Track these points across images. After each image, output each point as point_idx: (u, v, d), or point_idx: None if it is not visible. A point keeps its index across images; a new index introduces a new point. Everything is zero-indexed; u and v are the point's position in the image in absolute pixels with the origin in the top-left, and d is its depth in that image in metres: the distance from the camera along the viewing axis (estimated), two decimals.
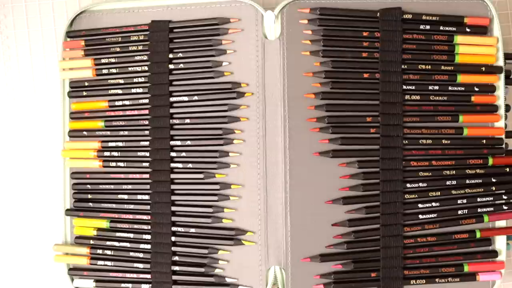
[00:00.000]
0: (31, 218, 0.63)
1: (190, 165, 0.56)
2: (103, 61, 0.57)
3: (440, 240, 0.55)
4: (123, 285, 0.57)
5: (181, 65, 0.56)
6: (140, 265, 0.57)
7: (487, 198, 0.55)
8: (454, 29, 0.55)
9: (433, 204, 0.55)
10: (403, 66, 0.55)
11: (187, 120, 0.56)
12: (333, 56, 0.55)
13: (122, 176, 0.57)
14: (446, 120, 0.55)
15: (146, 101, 0.57)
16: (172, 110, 0.57)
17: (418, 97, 0.55)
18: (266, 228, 0.56)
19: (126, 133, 0.57)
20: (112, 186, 0.57)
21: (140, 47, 0.57)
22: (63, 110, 0.59)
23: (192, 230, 0.56)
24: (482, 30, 0.56)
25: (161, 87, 0.56)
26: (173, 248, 0.56)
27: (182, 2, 0.57)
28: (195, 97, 0.56)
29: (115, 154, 0.57)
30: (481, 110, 0.56)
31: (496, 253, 0.56)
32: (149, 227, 0.57)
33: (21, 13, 0.62)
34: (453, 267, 0.55)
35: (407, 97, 0.55)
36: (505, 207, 0.55)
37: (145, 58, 0.57)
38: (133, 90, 0.57)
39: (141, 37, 0.57)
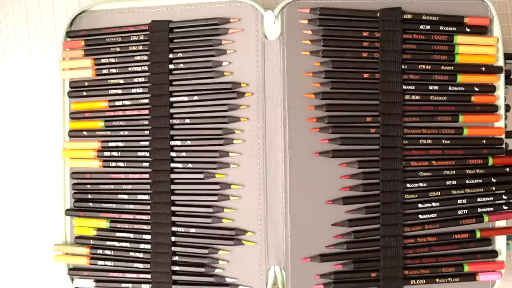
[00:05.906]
0: (31, 218, 0.63)
1: (190, 165, 0.56)
2: (103, 61, 0.57)
3: (440, 240, 0.55)
4: (123, 285, 0.57)
5: (181, 65, 0.56)
6: (140, 265, 0.57)
7: (487, 198, 0.55)
8: (454, 29, 0.55)
9: (433, 204, 0.55)
10: (403, 66, 0.55)
11: (187, 120, 0.56)
12: (333, 56, 0.55)
13: (122, 176, 0.57)
14: (446, 120, 0.55)
15: (146, 101, 0.57)
16: (172, 110, 0.56)
17: (418, 97, 0.55)
18: (266, 228, 0.56)
19: (126, 133, 0.57)
20: (112, 186, 0.57)
21: (140, 47, 0.57)
22: (63, 110, 0.59)
23: (192, 230, 0.56)
24: (482, 30, 0.56)
25: (161, 87, 0.56)
26: (173, 248, 0.56)
27: (182, 2, 0.57)
28: (195, 97, 0.56)
29: (115, 154, 0.57)
30: (481, 110, 0.56)
31: (496, 253, 0.56)
32: (149, 227, 0.57)
33: (21, 13, 0.62)
34: (453, 267, 0.55)
35: (407, 97, 0.55)
36: (505, 207, 0.55)
37: (145, 58, 0.57)
38: (133, 90, 0.57)
39: (141, 37, 0.57)
